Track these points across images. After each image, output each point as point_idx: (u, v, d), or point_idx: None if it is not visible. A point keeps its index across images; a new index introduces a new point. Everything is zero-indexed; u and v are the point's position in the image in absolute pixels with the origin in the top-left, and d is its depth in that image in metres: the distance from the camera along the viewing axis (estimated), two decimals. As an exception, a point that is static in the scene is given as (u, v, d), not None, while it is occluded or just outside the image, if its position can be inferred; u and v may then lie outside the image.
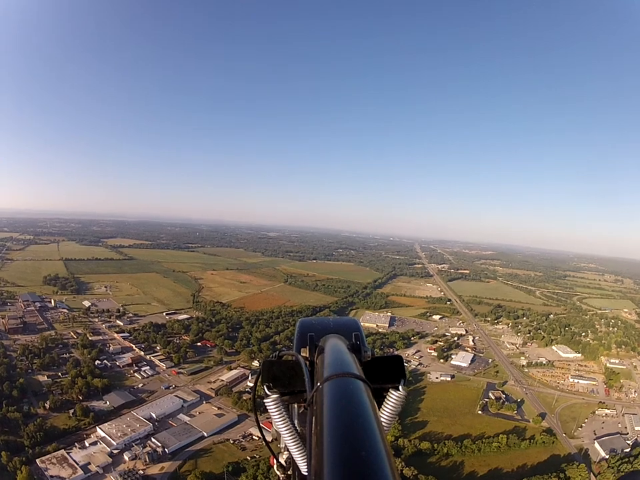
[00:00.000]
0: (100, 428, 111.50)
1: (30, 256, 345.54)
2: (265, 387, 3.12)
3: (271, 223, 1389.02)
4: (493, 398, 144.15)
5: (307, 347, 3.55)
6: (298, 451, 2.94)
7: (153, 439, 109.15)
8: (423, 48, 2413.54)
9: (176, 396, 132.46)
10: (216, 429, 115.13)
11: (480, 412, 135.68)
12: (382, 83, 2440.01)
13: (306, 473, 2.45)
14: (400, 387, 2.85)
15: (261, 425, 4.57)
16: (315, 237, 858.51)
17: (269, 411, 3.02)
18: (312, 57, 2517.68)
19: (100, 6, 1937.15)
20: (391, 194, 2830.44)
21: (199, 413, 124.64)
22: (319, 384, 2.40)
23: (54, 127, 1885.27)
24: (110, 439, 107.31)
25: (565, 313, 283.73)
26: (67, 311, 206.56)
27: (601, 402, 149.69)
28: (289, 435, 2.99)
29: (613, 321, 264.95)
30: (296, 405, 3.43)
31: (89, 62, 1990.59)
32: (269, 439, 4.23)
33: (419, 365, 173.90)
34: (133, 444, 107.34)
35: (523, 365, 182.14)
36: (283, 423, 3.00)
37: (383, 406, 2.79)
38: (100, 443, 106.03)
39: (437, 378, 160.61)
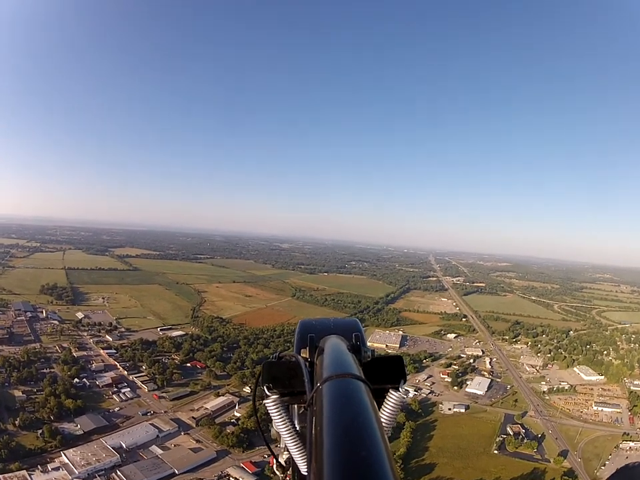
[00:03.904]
0: (64, 453, 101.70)
1: (33, 264, 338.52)
2: (264, 387, 3.09)
3: (284, 233, 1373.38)
4: (512, 433, 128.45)
5: (307, 348, 3.53)
6: (298, 451, 2.94)
7: (119, 472, 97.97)
8: (448, 54, 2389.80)
9: (151, 424, 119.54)
10: (189, 466, 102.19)
11: (496, 451, 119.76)
12: (397, 94, 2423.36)
13: (306, 473, 2.46)
14: (400, 388, 2.85)
15: (261, 427, 4.59)
16: (329, 248, 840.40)
17: (268, 411, 3.02)
18: (326, 66, 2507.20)
19: (104, 8, 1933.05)
20: (406, 205, 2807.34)
21: (174, 445, 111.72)
22: (318, 384, 2.39)
23: (66, 134, 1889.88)
24: (72, 466, 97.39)
25: (585, 329, 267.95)
26: (57, 323, 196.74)
27: (625, 433, 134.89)
28: (289, 435, 2.98)
29: (634, 336, 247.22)
30: (296, 406, 3.40)
31: (101, 69, 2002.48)
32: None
33: (429, 393, 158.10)
34: (97, 475, 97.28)
35: (544, 392, 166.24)
36: (283, 424, 2.99)
37: (382, 406, 2.77)
38: (62, 470, 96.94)
39: (449, 409, 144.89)
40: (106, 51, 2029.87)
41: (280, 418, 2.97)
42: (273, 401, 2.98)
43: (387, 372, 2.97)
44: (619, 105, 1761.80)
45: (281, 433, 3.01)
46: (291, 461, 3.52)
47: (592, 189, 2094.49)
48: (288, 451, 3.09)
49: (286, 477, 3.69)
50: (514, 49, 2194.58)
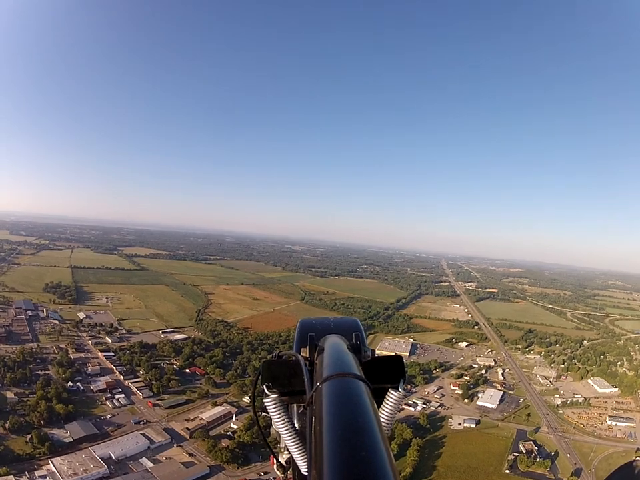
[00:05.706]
0: (52, 461, 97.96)
1: (39, 261, 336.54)
2: (264, 386, 3.12)
3: (296, 236, 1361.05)
4: (524, 451, 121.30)
5: (307, 347, 3.57)
6: (298, 450, 2.93)
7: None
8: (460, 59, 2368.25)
9: (142, 434, 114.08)
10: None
11: (507, 471, 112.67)
12: (405, 97, 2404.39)
13: (306, 473, 2.49)
14: (399, 387, 2.86)
15: (260, 424, 4.35)
16: (341, 251, 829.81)
17: (268, 410, 3.03)
18: (333, 69, 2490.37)
19: (108, 7, 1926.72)
20: (418, 210, 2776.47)
21: (166, 458, 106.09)
22: (318, 384, 2.39)
23: (81, 135, 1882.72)
24: (59, 475, 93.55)
25: (598, 338, 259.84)
26: (57, 322, 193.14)
27: (638, 449, 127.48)
28: (289, 435, 2.98)
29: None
30: (295, 405, 3.43)
31: (114, 71, 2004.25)
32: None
33: (439, 406, 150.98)
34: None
35: (557, 405, 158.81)
36: (283, 423, 2.99)
37: (382, 406, 2.80)
38: (49, 478, 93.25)
39: (459, 424, 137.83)
40: (118, 54, 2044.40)
41: (279, 417, 2.96)
42: (272, 400, 2.98)
43: (386, 372, 2.96)
44: (622, 107, 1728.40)
45: (280, 433, 2.99)
46: (291, 460, 3.49)
47: (602, 195, 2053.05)
48: (288, 450, 3.06)
49: (286, 476, 3.66)
50: (514, 54, 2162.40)
